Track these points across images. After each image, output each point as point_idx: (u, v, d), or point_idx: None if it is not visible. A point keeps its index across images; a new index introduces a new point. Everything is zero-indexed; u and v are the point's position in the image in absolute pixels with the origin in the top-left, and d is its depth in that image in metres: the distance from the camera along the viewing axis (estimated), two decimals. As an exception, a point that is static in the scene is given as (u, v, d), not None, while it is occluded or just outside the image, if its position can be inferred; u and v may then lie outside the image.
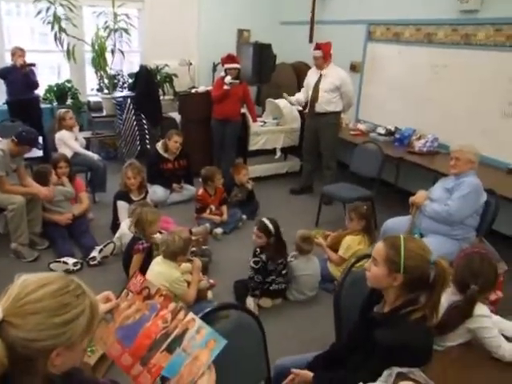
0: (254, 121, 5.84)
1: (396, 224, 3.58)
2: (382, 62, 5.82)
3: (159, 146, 5.17)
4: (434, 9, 5.00)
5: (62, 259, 3.71)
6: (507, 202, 3.64)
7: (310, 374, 1.80)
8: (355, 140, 5.41)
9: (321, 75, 5.17)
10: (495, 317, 1.97)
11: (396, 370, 1.56)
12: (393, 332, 1.59)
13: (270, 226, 3.32)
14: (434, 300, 1.61)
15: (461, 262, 2.02)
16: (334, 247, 3.69)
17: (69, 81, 6.47)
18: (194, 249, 3.62)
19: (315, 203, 4.90)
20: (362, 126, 5.88)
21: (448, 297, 1.91)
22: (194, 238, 3.71)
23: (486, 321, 1.85)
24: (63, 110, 5.12)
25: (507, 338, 1.86)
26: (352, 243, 3.57)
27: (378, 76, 5.91)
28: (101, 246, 3.85)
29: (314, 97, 5.21)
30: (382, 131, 5.52)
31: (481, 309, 1.88)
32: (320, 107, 5.19)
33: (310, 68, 5.60)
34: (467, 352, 1.84)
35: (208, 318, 1.50)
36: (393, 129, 5.49)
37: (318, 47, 5.11)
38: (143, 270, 2.96)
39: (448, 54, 4.95)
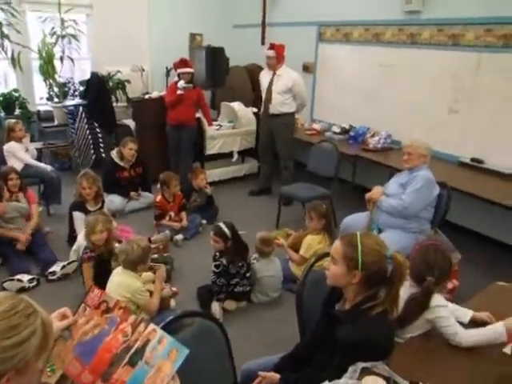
0: (210, 125, 5.83)
1: (355, 221, 3.64)
2: (334, 62, 5.92)
3: (114, 154, 5.07)
4: (381, 10, 5.14)
5: (16, 277, 3.55)
6: (458, 193, 3.77)
7: (277, 376, 1.80)
8: (311, 140, 5.47)
9: (273, 77, 5.21)
10: (451, 305, 2.02)
11: (360, 365, 1.58)
12: (354, 328, 1.61)
13: (226, 230, 3.32)
14: (393, 294, 1.64)
15: (416, 254, 2.08)
16: (295, 247, 3.72)
17: (16, 90, 6.23)
18: (155, 256, 3.58)
19: (275, 204, 4.92)
20: (317, 126, 5.95)
21: (406, 290, 1.96)
22: (154, 245, 3.66)
23: (443, 310, 1.90)
24: (12, 121, 4.94)
25: (463, 325, 1.92)
26: (312, 242, 3.61)
27: (330, 76, 6.01)
28: (64, 263, 3.71)
29: (267, 98, 5.25)
30: (337, 130, 5.61)
31: (437, 299, 1.93)
32: (274, 108, 5.23)
33: (262, 70, 5.63)
34: (427, 342, 1.89)
35: (170, 328, 1.47)
36: (347, 127, 5.58)
37: (271, 47, 5.16)
38: (101, 282, 2.89)
39: (396, 53, 5.09)
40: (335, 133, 5.60)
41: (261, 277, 3.46)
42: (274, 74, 5.21)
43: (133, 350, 1.23)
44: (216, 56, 6.18)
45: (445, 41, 4.58)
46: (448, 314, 1.91)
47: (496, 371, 1.67)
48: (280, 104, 5.20)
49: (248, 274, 3.39)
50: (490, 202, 3.72)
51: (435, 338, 1.90)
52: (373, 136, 5.22)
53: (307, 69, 6.27)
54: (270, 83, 5.22)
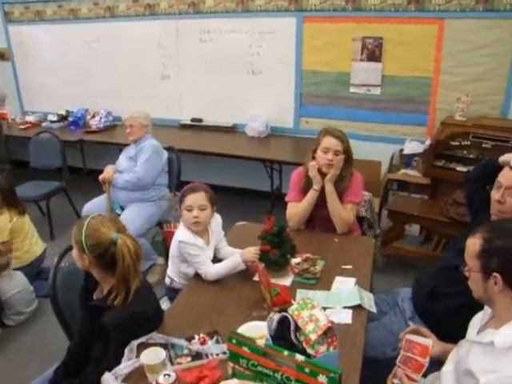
0: None
1: (95, 206, 3.47)
2: (33, 45, 5.45)
3: None
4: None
5: None
6: (186, 153, 3.98)
7: None
8: (27, 134, 4.94)
9: None
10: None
11: (135, 342, 1.58)
12: (118, 308, 1.56)
13: None
14: (121, 277, 1.58)
15: None
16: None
17: None
18: None
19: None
20: (30, 118, 5.47)
21: None
22: None
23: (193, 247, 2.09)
24: None
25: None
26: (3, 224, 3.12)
27: (33, 61, 5.53)
28: None
29: None
30: (54, 118, 5.30)
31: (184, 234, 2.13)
32: None
33: None
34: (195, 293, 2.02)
35: None
36: (64, 113, 5.33)
37: None
38: None
39: (98, 29, 4.99)
40: (52, 121, 5.27)
41: (7, 297, 3.02)
42: None
43: None
44: None
45: (142, 11, 4.69)
46: (199, 251, 2.09)
47: (253, 295, 1.95)
48: None
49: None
50: (220, 156, 4.07)
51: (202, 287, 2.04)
52: (93, 117, 5.09)
53: (3, 56, 5.64)
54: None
